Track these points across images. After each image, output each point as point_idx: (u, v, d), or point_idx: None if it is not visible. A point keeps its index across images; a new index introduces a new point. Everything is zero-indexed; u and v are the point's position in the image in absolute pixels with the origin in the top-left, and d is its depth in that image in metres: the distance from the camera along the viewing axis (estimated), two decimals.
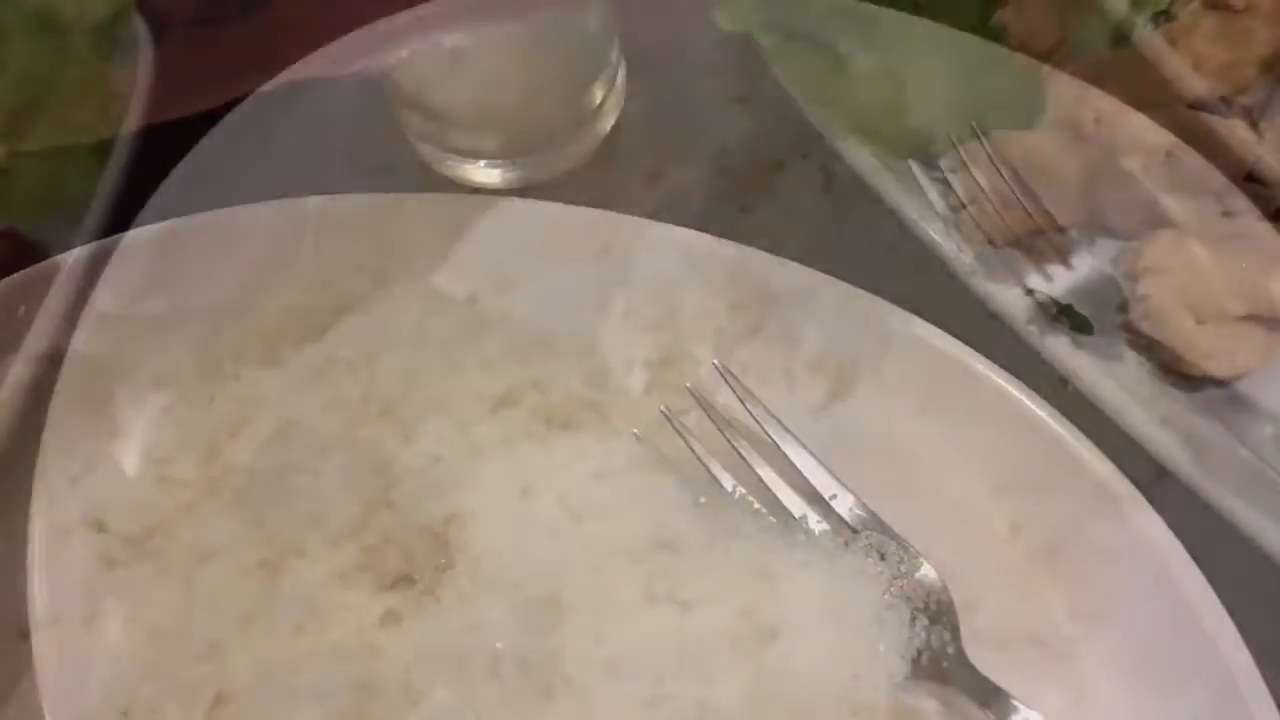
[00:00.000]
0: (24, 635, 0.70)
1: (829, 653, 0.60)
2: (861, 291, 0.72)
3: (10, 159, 0.87)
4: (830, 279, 0.72)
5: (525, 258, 0.76)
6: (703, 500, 0.66)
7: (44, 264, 0.88)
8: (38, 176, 0.89)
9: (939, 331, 0.70)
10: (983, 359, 0.68)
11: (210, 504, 0.74)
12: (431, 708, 0.63)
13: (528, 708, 0.62)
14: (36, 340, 0.80)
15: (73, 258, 0.83)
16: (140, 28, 0.97)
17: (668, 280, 0.71)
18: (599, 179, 0.80)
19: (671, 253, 0.71)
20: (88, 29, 0.97)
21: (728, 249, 0.72)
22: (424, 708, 0.63)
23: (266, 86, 0.94)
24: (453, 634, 0.64)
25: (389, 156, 0.92)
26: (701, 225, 0.72)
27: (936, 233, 0.75)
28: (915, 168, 0.81)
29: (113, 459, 0.76)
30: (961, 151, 0.78)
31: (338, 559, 0.67)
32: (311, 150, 0.92)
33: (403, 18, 0.98)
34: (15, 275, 0.87)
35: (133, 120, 0.91)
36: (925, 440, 0.65)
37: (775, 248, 0.74)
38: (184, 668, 0.68)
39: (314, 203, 0.87)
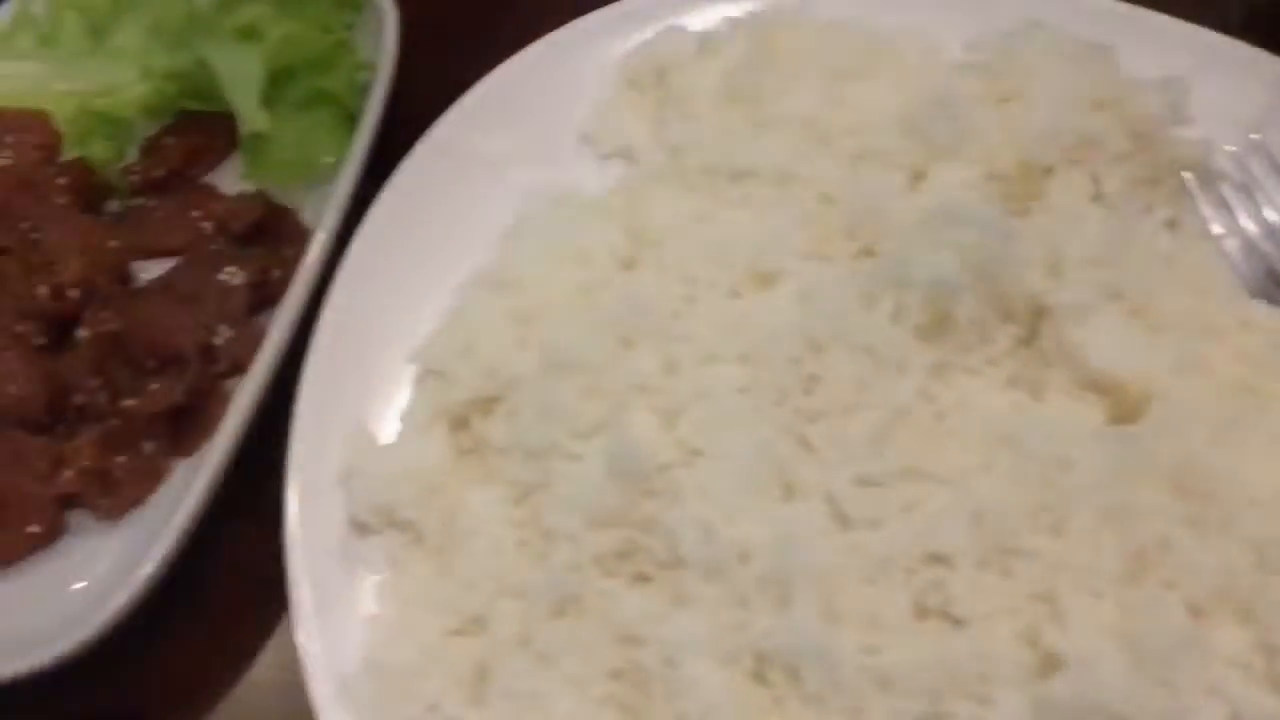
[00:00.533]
0: (281, 588, 0.70)
1: (1118, 685, 0.57)
2: (1144, 308, 0.68)
3: (268, 124, 0.88)
4: (1112, 295, 0.68)
5: (784, 253, 0.74)
6: (975, 514, 0.63)
7: (296, 228, 0.89)
8: (291, 142, 0.90)
9: (1232, 355, 0.66)
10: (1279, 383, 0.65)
11: (462, 478, 0.74)
12: (692, 704, 0.61)
13: (795, 713, 0.60)
14: (291, 305, 0.81)
15: (324, 223, 0.84)
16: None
17: (936, 284, 0.68)
18: (859, 177, 0.77)
19: (941, 256, 0.68)
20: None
21: (999, 253, 0.69)
22: (684, 703, 0.62)
23: (509, 62, 0.94)
24: (717, 632, 0.63)
25: (627, 140, 0.90)
26: (971, 228, 0.69)
27: (1222, 248, 0.71)
28: (1190, 181, 0.77)
29: (363, 425, 0.77)
30: (1248, 165, 0.74)
31: (598, 545, 0.67)
32: (551, 127, 0.91)
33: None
34: (268, 239, 0.88)
35: (380, 89, 0.91)
36: (1223, 472, 0.61)
37: (1048, 256, 0.71)
38: (442, 639, 0.69)
39: (558, 182, 0.87)
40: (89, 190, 0.93)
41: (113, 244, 0.86)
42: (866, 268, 0.72)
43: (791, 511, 0.65)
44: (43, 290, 0.82)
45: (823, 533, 0.64)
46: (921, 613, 0.62)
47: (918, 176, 0.77)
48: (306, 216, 0.91)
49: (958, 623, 0.61)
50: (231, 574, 0.78)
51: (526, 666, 0.65)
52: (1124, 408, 0.66)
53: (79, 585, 0.76)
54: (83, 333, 0.81)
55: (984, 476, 0.64)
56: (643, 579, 0.67)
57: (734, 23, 0.92)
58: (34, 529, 0.77)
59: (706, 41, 0.90)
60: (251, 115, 0.87)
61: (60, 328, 0.84)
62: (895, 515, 0.64)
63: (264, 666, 0.76)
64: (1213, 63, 0.81)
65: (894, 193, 0.75)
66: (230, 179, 0.97)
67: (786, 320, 0.71)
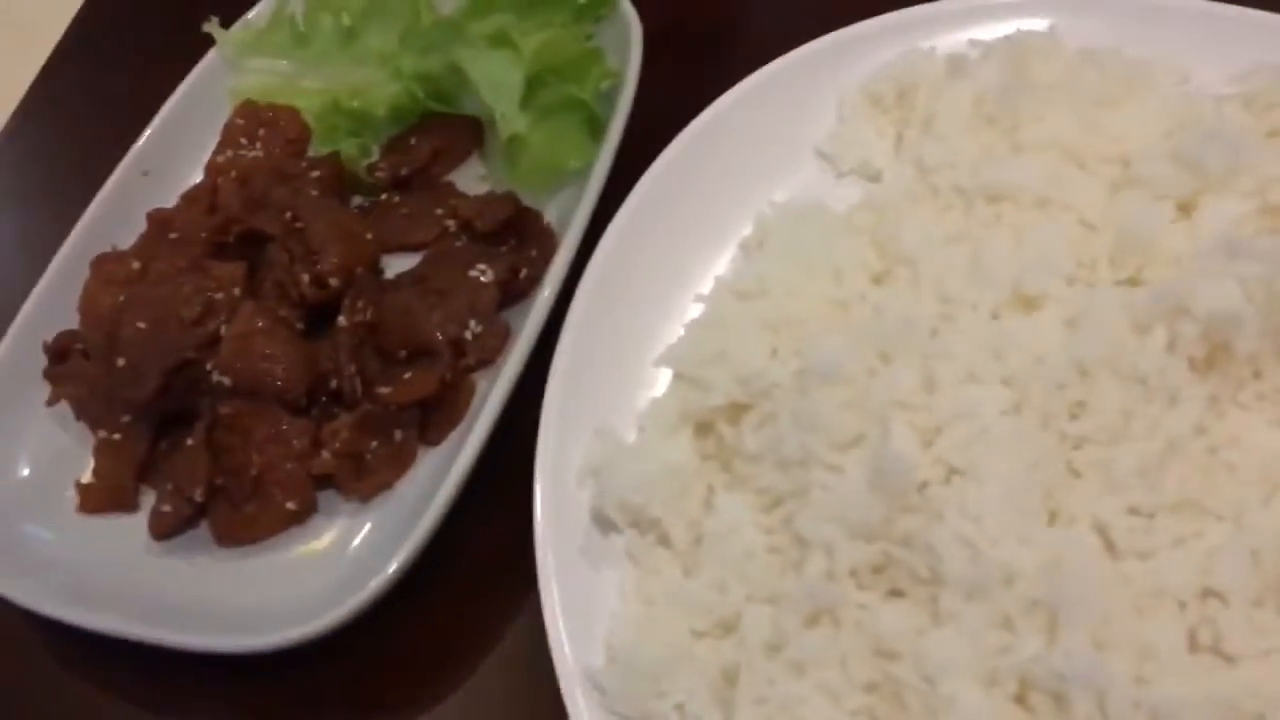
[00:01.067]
0: (520, 574, 0.74)
1: None
2: None
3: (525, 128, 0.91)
4: None
5: (1048, 277, 0.75)
6: (1253, 551, 0.62)
7: (541, 229, 0.92)
8: (541, 146, 0.94)
9: None
10: None
11: (708, 482, 0.76)
12: None
13: None
14: (541, 304, 0.84)
15: (574, 225, 0.88)
16: (629, 10, 1.01)
17: (1218, 316, 0.68)
18: (1124, 204, 0.77)
19: (1225, 288, 0.68)
20: (577, 9, 1.02)
21: None
22: None
23: (750, 79, 0.96)
24: (979, 652, 0.63)
25: (867, 158, 0.92)
26: (1255, 261, 0.69)
27: None
28: None
29: (609, 424, 0.80)
30: None
31: (855, 557, 0.68)
32: (789, 143, 0.94)
33: (890, 19, 0.99)
34: (510, 238, 0.92)
35: (626, 97, 0.95)
36: None
37: None
38: (689, 639, 0.71)
39: (798, 196, 0.89)
40: (339, 184, 0.99)
41: (368, 236, 0.91)
42: (1138, 295, 0.72)
43: (1059, 537, 0.65)
44: (305, 278, 0.87)
45: (1092, 560, 0.64)
46: (1194, 647, 0.62)
47: (1186, 207, 0.77)
48: (549, 218, 0.95)
49: (1231, 659, 0.61)
50: (474, 557, 0.82)
51: (778, 673, 0.67)
52: None
53: (334, 562, 0.80)
54: (342, 320, 0.85)
55: (1262, 513, 0.64)
56: (897, 594, 0.68)
57: (982, 46, 0.92)
58: (291, 505, 0.82)
59: (957, 64, 0.91)
60: (511, 118, 0.92)
61: (316, 314, 0.89)
62: (1167, 547, 0.64)
63: (509, 647, 0.79)
64: None
65: (1162, 221, 0.75)
66: (467, 179, 1.02)
67: (1052, 344, 0.71)
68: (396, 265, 0.95)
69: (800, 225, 0.86)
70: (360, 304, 0.86)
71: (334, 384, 0.85)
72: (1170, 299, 0.69)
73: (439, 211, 0.96)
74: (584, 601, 0.73)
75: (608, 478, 0.77)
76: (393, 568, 0.74)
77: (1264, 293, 0.68)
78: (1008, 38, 0.92)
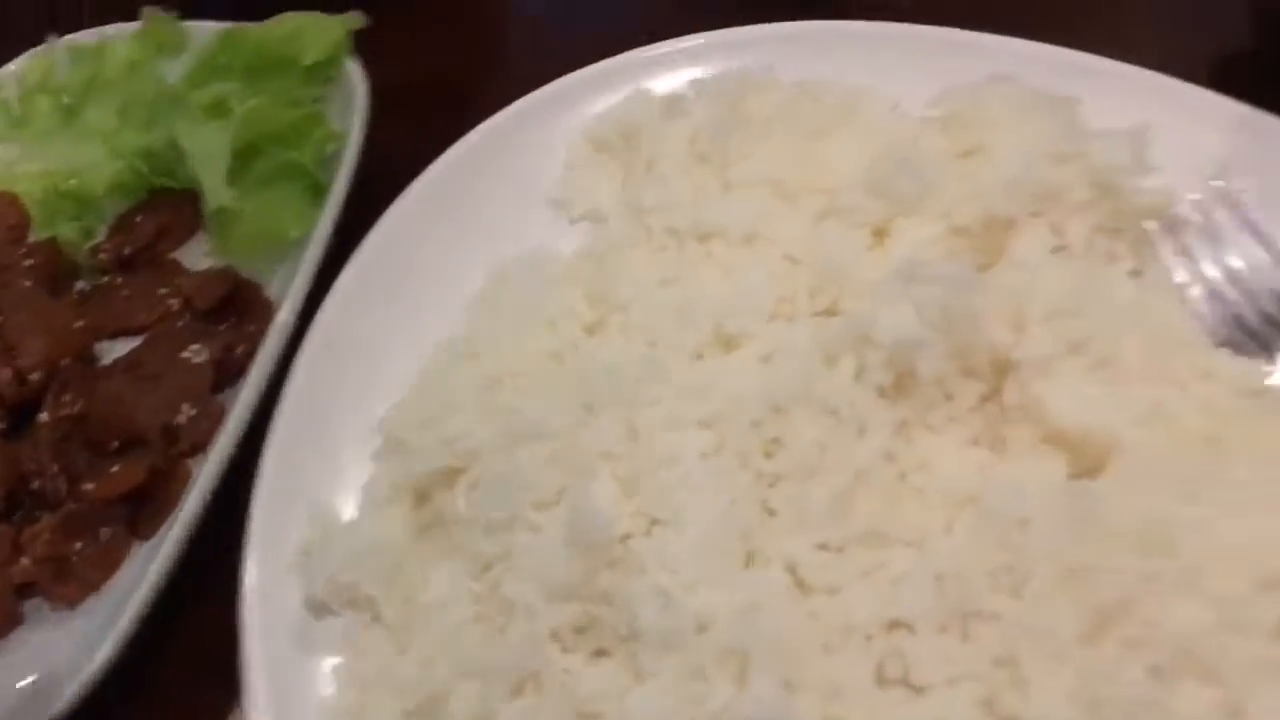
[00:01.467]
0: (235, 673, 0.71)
1: None
2: (1107, 360, 0.69)
3: (234, 200, 0.90)
4: (1075, 347, 0.70)
5: (749, 315, 0.76)
6: (937, 576, 0.63)
7: (261, 303, 0.91)
8: (258, 216, 0.93)
9: (1196, 406, 0.67)
10: (1244, 440, 0.65)
11: (423, 554, 0.75)
12: None
13: None
14: (252, 383, 0.83)
15: (289, 298, 0.86)
16: (355, 71, 1.00)
17: (898, 342, 0.69)
18: (823, 235, 0.78)
19: (902, 313, 0.69)
20: (304, 71, 1.01)
21: (963, 309, 0.70)
22: None
23: (478, 129, 0.96)
24: (677, 705, 0.63)
25: (595, 203, 0.93)
26: (933, 284, 0.70)
27: (1186, 297, 0.73)
28: (1153, 230, 0.78)
29: (325, 502, 0.78)
30: (1211, 212, 0.75)
31: (557, 618, 0.67)
32: (521, 193, 0.94)
33: (614, 62, 1.00)
34: (231, 315, 0.90)
35: (348, 160, 0.94)
36: (1185, 527, 0.61)
37: (1011, 310, 0.72)
38: None
39: (529, 248, 0.89)
40: (56, 271, 0.96)
41: (78, 325, 0.89)
42: (828, 327, 0.73)
43: (752, 579, 0.66)
44: (4, 374, 0.84)
45: (783, 600, 0.64)
46: (882, 681, 0.62)
47: (880, 234, 0.79)
48: (274, 291, 0.93)
49: (919, 690, 0.62)
50: (188, 660, 0.79)
51: None
52: (1086, 461, 0.67)
53: (30, 677, 0.77)
54: (43, 417, 0.83)
55: (945, 538, 0.65)
56: (602, 653, 0.67)
57: (699, 85, 0.94)
58: None
59: (673, 104, 0.92)
60: (217, 191, 0.90)
61: (20, 411, 0.86)
62: (855, 581, 0.65)
63: None
64: (1174, 109, 0.83)
65: (857, 251, 0.77)
66: (194, 255, 1.00)
67: (749, 383, 0.72)
68: (119, 350, 0.92)
69: (522, 277, 0.86)
70: (67, 397, 0.84)
71: (36, 485, 0.81)
72: (854, 328, 0.71)
73: (163, 291, 0.94)
74: (296, 693, 0.71)
75: (318, 558, 0.75)
76: (83, 677, 0.71)
77: (941, 315, 0.69)
78: (723, 75, 0.93)
